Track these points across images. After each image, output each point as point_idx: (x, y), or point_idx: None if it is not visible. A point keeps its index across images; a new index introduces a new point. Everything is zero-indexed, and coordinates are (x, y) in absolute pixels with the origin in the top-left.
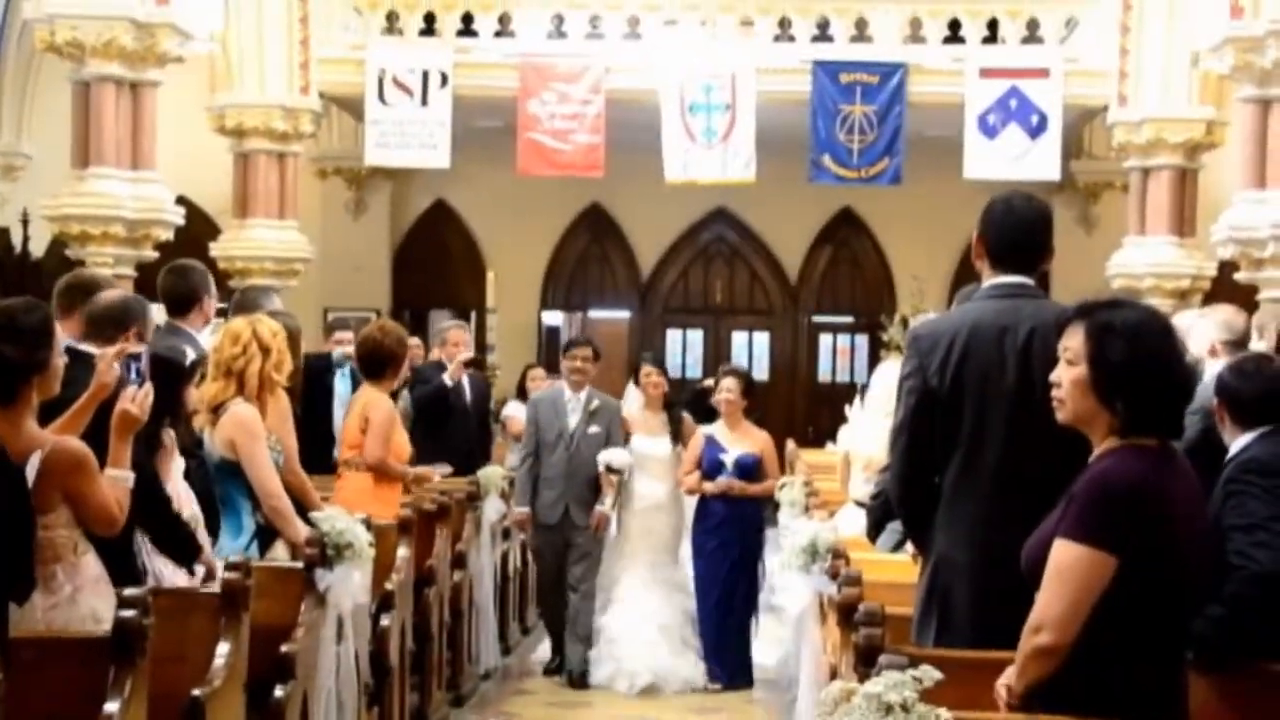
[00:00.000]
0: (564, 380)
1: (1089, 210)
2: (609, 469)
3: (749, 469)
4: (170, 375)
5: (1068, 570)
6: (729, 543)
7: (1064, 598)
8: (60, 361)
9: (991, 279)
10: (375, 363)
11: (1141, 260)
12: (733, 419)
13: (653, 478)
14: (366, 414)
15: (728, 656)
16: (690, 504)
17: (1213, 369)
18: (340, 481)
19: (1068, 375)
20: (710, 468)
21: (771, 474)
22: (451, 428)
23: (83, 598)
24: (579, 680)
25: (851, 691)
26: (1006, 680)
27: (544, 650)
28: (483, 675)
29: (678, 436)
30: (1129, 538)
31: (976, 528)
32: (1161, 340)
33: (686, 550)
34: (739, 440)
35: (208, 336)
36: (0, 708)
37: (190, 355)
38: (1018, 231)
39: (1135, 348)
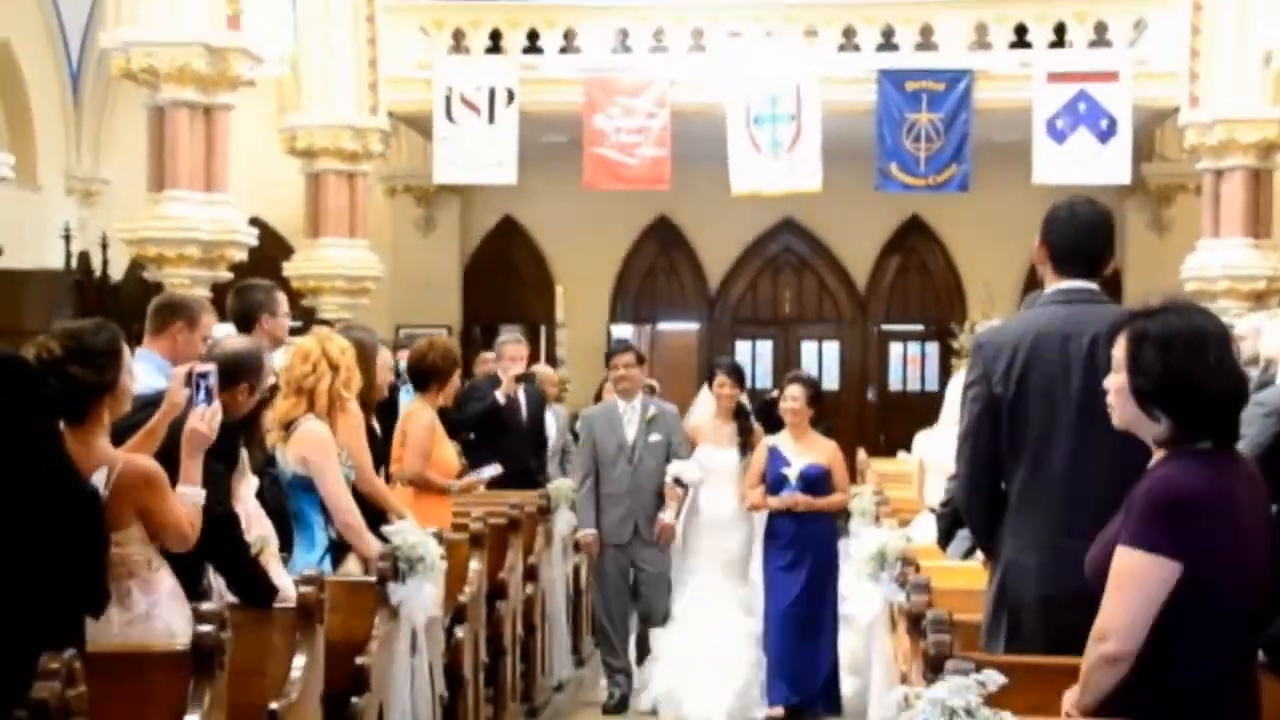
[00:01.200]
0: (613, 392)
1: (1161, 213)
2: (677, 482)
3: (815, 482)
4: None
5: (1130, 578)
6: (799, 561)
7: (1127, 605)
8: (130, 380)
9: (1055, 284)
10: (420, 375)
11: (1215, 262)
12: (798, 429)
13: (720, 491)
14: (405, 427)
15: (800, 681)
16: (761, 520)
17: None
18: None
19: (1113, 383)
20: (774, 482)
21: (841, 486)
22: (508, 442)
23: (159, 613)
24: (620, 704)
25: (916, 697)
26: (1073, 696)
27: (602, 686)
28: (556, 687)
29: (747, 448)
30: (1190, 543)
31: (1044, 533)
32: (1195, 349)
33: (757, 568)
34: (805, 451)
35: (280, 356)
36: None
37: (270, 379)
38: (1080, 236)
39: (1167, 357)
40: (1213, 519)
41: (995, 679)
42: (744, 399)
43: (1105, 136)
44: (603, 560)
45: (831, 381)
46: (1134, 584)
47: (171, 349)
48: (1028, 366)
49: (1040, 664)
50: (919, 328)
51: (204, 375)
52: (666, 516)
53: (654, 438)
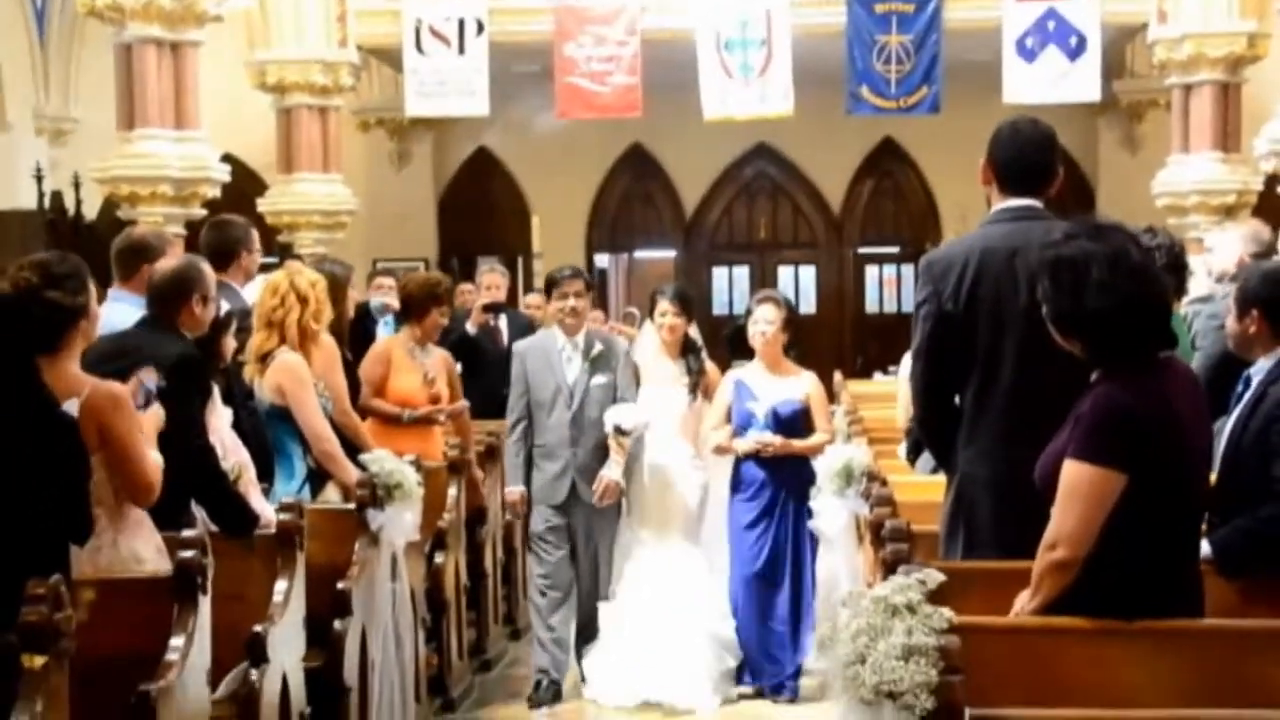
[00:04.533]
0: (555, 324)
1: (1133, 130)
2: (618, 430)
3: (789, 421)
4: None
5: (1078, 489)
6: (769, 515)
7: (1076, 515)
8: (96, 306)
9: (1000, 203)
10: (404, 308)
11: (1186, 178)
12: (771, 357)
13: (665, 439)
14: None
15: (773, 657)
16: (725, 468)
17: None
18: None
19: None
20: (740, 422)
21: (821, 425)
22: (484, 373)
23: (124, 540)
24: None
25: (861, 596)
26: (1023, 599)
27: (524, 669)
28: None
29: (697, 388)
30: (1134, 454)
31: (996, 444)
32: (1077, 273)
33: (715, 529)
34: (777, 385)
35: (252, 291)
36: (71, 644)
37: (224, 306)
38: (1022, 155)
39: (1055, 285)
40: (1154, 430)
41: (935, 577)
42: (694, 332)
43: (1075, 54)
44: (536, 524)
45: (809, 305)
46: (1082, 495)
47: (143, 290)
48: (976, 282)
49: (995, 569)
50: (894, 250)
51: (144, 382)
52: (608, 473)
53: (599, 380)
